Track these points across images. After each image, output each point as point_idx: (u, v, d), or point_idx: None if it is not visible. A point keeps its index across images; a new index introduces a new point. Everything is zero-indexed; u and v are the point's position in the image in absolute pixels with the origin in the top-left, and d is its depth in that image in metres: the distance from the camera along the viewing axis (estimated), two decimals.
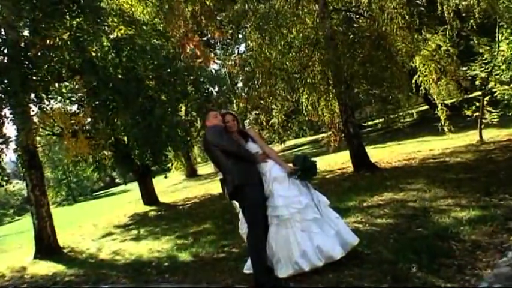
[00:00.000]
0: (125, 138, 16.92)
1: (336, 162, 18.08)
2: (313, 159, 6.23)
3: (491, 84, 13.91)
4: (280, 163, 6.02)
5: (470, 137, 15.50)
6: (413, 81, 15.50)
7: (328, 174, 15.46)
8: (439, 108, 14.97)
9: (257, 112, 18.78)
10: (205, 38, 23.55)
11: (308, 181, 6.07)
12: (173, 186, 29.87)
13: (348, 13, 15.81)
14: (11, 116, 12.01)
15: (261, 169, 5.94)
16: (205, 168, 40.06)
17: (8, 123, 12.08)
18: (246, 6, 15.12)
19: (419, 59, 14.81)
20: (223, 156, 5.80)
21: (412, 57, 14.76)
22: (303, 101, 16.22)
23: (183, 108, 19.33)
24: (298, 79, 14.98)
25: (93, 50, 13.59)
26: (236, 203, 6.22)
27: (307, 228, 5.69)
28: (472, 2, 12.97)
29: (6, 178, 12.87)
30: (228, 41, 25.06)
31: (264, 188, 5.87)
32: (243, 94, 17.69)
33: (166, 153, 17.42)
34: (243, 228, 6.22)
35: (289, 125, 41.28)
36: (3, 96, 11.43)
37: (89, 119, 14.89)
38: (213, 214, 13.06)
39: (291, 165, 6.05)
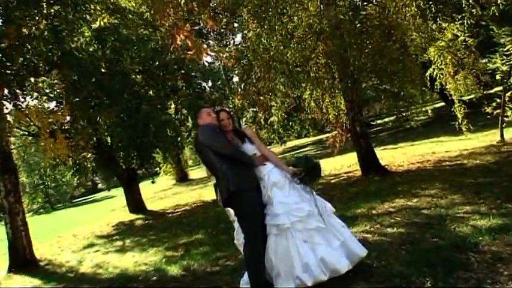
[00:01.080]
0: (109, 139, 16.92)
1: (342, 165, 18.09)
2: (317, 160, 6.24)
3: None
4: (281, 166, 6.02)
5: (490, 137, 15.52)
6: (428, 75, 15.50)
7: (334, 178, 15.46)
8: (456, 105, 14.98)
9: (255, 109, 18.83)
10: (197, 28, 23.55)
11: (311, 185, 6.06)
12: (162, 192, 29.84)
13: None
14: None
15: (258, 173, 5.94)
16: (198, 172, 40.06)
17: None
18: None
19: (434, 51, 14.81)
20: (217, 159, 5.78)
21: (426, 48, 14.76)
22: (305, 97, 16.23)
23: (173, 106, 19.33)
24: (301, 73, 14.97)
25: (74, 41, 13.57)
26: (231, 211, 6.19)
27: (309, 239, 5.67)
28: None
29: None
30: (222, 30, 25.04)
31: (262, 193, 5.87)
32: (239, 90, 17.67)
33: (154, 155, 17.44)
34: (239, 238, 6.18)
35: (290, 124, 41.38)
36: None
37: (68, 118, 14.87)
38: (206, 223, 13.04)
39: (292, 167, 6.05)
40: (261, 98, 15.96)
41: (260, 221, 5.77)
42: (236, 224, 6.17)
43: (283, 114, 18.00)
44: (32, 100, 15.58)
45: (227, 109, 6.75)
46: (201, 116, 6.20)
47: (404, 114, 15.99)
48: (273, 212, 5.75)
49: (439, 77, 15.22)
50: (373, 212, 9.27)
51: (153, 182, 22.25)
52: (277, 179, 5.89)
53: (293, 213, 5.70)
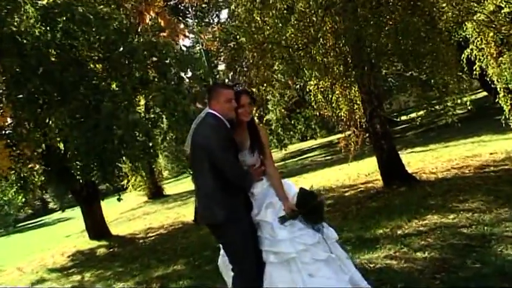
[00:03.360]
0: (61, 146, 16.86)
1: (358, 173, 18.13)
2: (321, 196, 6.24)
3: None
4: (280, 194, 5.99)
5: None
6: (465, 57, 15.53)
7: (348, 190, 15.50)
8: (500, 95, 15.01)
9: None
10: (172, 3, 23.58)
11: (312, 226, 6.03)
12: (130, 212, 29.85)
13: None
14: None
15: (252, 188, 5.98)
16: (175, 186, 40.10)
17: None
18: None
19: (471, 26, 14.84)
20: (211, 171, 5.76)
21: (462, 23, 14.78)
22: (310, 88, 16.21)
23: (142, 102, 19.27)
24: (304, 57, 14.96)
25: (15, 22, 13.54)
26: None
27: (317, 273, 5.67)
28: None
29: None
30: (204, 6, 25.08)
31: (253, 212, 5.90)
32: (227, 80, 17.70)
33: (119, 165, 17.35)
34: (227, 270, 6.18)
35: (291, 122, 41.29)
36: None
37: (9, 120, 14.82)
38: (187, 250, 13.05)
39: (290, 196, 6.03)
40: (254, 90, 15.93)
41: (252, 247, 5.78)
42: (223, 251, 6.16)
43: (283, 110, 18.06)
44: None
45: (249, 90, 6.70)
46: (217, 99, 5.97)
47: (436, 107, 15.99)
48: (272, 237, 5.75)
49: (479, 59, 15.24)
50: (399, 232, 9.29)
51: (119, 200, 22.17)
52: (274, 199, 5.93)
53: (298, 240, 5.70)
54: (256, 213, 5.89)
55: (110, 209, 27.35)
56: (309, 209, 5.89)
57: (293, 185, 6.28)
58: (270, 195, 5.95)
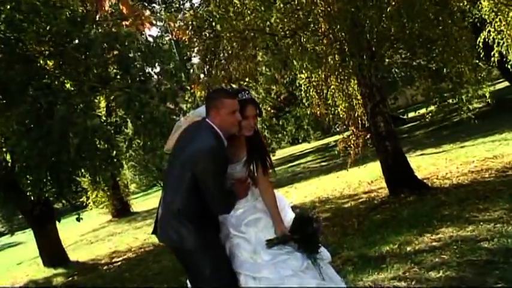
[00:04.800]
0: (8, 157, 16.80)
1: (359, 181, 18.18)
2: (319, 223, 6.23)
3: None
4: (275, 218, 6.00)
5: None
6: (481, 41, 15.59)
7: (348, 201, 15.54)
8: None
9: None
10: None
11: (308, 254, 6.04)
12: (92, 234, 29.72)
13: None
14: None
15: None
16: (144, 201, 39.99)
17: None
18: None
19: (488, 5, 14.93)
20: (189, 192, 5.72)
21: (477, 2, 14.86)
22: (301, 82, 16.24)
23: (103, 104, 19.23)
24: (292, 47, 14.99)
25: None
26: None
27: None
28: None
29: None
30: None
31: (230, 231, 5.95)
32: (202, 76, 17.70)
33: (77, 179, 17.32)
34: None
35: (280, 122, 41.24)
36: None
37: None
38: (159, 276, 13.06)
39: (282, 229, 6.04)
40: (234, 86, 15.96)
41: (229, 276, 5.83)
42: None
43: (270, 109, 18.05)
44: None
45: (254, 97, 6.52)
46: (219, 110, 5.80)
47: (449, 101, 16.05)
48: (253, 259, 5.77)
49: (498, 43, 15.33)
50: (408, 248, 9.32)
51: (78, 220, 22.12)
52: (257, 216, 5.99)
53: (283, 264, 5.72)
54: (234, 231, 5.91)
55: (68, 230, 27.26)
56: (304, 236, 5.93)
57: (283, 198, 6.32)
58: (254, 212, 5.99)
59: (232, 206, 5.88)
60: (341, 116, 16.45)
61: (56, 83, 14.96)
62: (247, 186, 6.08)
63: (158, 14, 25.10)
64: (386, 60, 16.18)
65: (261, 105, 16.65)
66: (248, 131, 5.95)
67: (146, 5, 24.04)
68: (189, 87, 19.79)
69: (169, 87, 17.65)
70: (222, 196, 5.73)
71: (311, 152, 39.57)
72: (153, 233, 6.20)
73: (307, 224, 6.00)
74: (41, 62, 14.79)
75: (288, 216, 6.14)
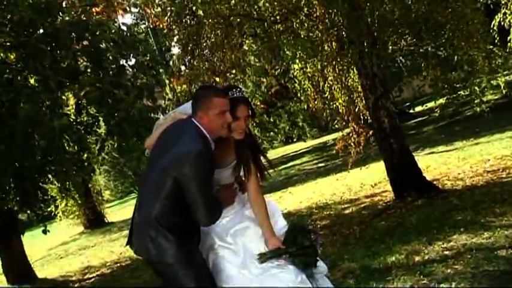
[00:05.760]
0: None
1: (361, 183, 18.20)
2: (317, 234, 6.23)
3: None
4: (266, 228, 6.01)
5: None
6: (495, 24, 15.60)
7: (349, 206, 15.57)
8: None
9: None
10: None
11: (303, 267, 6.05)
12: (61, 248, 29.66)
13: None
14: None
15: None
16: (120, 210, 39.91)
17: None
18: None
19: None
20: (170, 200, 5.68)
21: None
22: (294, 73, 16.24)
23: (72, 101, 19.17)
24: (283, 34, 15.01)
25: None
26: None
27: None
28: None
29: None
30: None
31: (214, 242, 5.96)
32: (182, 68, 17.65)
33: (44, 186, 17.29)
34: None
35: (271, 119, 41.12)
36: None
37: None
38: None
39: (275, 240, 6.04)
40: (218, 79, 15.91)
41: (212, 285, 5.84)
42: None
43: (260, 104, 18.02)
44: None
45: (247, 96, 6.35)
46: (207, 110, 5.74)
47: (460, 93, 16.06)
48: (241, 273, 5.77)
49: None
50: (417, 258, 9.33)
51: (45, 232, 22.12)
52: (245, 224, 6.00)
53: (274, 279, 5.68)
54: (219, 242, 5.93)
55: (35, 244, 27.20)
56: (300, 248, 5.91)
57: (273, 203, 6.33)
58: (241, 221, 6.00)
59: (218, 216, 5.78)
60: (340, 111, 16.43)
61: (19, 78, 14.94)
62: (233, 192, 6.08)
63: (132, 0, 24.97)
64: (390, 47, 16.15)
65: (250, 100, 16.75)
66: (239, 134, 5.86)
67: None
68: (168, 81, 19.77)
69: (146, 81, 17.68)
70: (207, 206, 5.64)
71: (307, 152, 39.46)
72: (127, 244, 6.12)
73: (303, 235, 5.98)
74: (1, 54, 14.77)
75: (279, 224, 6.15)
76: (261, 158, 6.17)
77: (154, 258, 5.79)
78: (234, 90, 5.85)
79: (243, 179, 6.07)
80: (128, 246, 6.11)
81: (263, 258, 5.76)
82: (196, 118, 5.70)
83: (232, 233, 5.89)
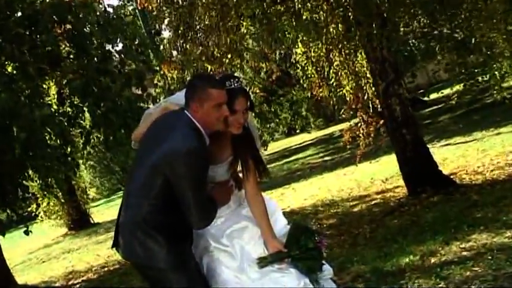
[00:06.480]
0: None
1: (371, 178, 18.21)
2: (322, 235, 6.21)
3: None
4: (265, 230, 6.00)
5: None
6: None
7: (358, 203, 15.57)
8: None
9: None
10: None
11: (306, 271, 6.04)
12: (43, 251, 29.69)
13: None
14: None
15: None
16: (107, 209, 39.93)
17: None
18: None
19: None
20: (161, 201, 5.65)
21: None
22: (297, 58, 16.22)
23: (54, 90, 19.16)
24: (284, 14, 14.99)
25: None
26: None
27: None
28: None
29: None
30: None
31: (208, 244, 5.95)
32: (174, 53, 17.63)
33: (24, 183, 17.28)
34: None
35: (272, 109, 40.98)
36: None
37: None
38: None
39: (276, 242, 6.02)
40: (212, 67, 15.87)
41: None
42: None
43: (259, 92, 17.97)
44: None
45: (245, 86, 6.29)
46: (202, 102, 5.65)
47: (479, 78, 16.02)
48: (238, 278, 5.76)
49: None
50: (433, 260, 9.32)
51: (27, 233, 22.13)
52: (243, 224, 6.00)
53: (274, 284, 5.71)
54: (214, 244, 5.92)
55: (14, 247, 27.21)
56: (303, 251, 5.89)
57: (272, 202, 6.32)
58: (238, 220, 6.00)
59: (212, 218, 5.75)
60: (347, 98, 16.40)
61: None
62: (229, 190, 6.08)
63: None
64: (401, 28, 16.14)
65: (248, 88, 16.73)
66: (236, 129, 5.79)
67: None
68: (158, 68, 19.73)
69: (135, 67, 17.68)
70: (200, 208, 5.60)
71: (311, 145, 39.50)
72: (113, 246, 6.07)
73: (306, 236, 5.95)
74: None
75: (280, 225, 6.14)
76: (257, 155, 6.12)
77: (143, 262, 5.76)
78: (232, 80, 5.78)
79: (240, 175, 6.09)
80: (114, 249, 6.06)
81: (263, 262, 5.73)
82: (190, 110, 5.61)
83: (229, 234, 5.86)
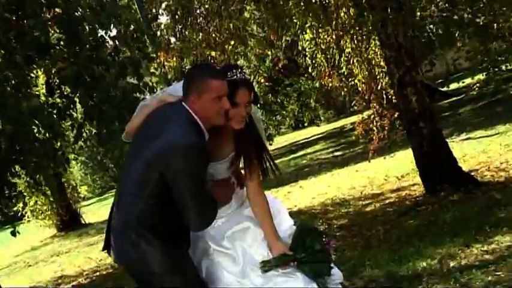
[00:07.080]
0: None
1: (386, 175, 18.20)
2: (330, 238, 6.20)
3: None
4: (268, 233, 5.98)
5: None
6: None
7: (372, 202, 15.56)
8: None
9: None
10: None
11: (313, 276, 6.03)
12: (31, 254, 29.74)
13: None
14: None
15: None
16: (99, 209, 39.98)
17: None
18: None
19: None
20: (156, 200, 5.63)
21: None
22: (304, 45, 16.20)
23: (42, 79, 19.15)
24: None
25: None
26: None
27: None
28: None
29: None
30: None
31: (207, 247, 5.95)
32: (172, 40, 17.62)
33: (10, 179, 17.28)
34: None
35: (278, 100, 40.82)
36: None
37: None
38: None
39: (281, 244, 6.01)
40: (215, 54, 15.85)
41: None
42: None
43: (264, 81, 17.96)
44: None
45: (248, 76, 6.18)
46: (201, 93, 5.57)
47: (502, 67, 15.99)
48: (240, 283, 5.75)
49: None
50: (452, 264, 9.31)
51: (14, 234, 22.14)
52: (245, 225, 5.98)
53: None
54: (214, 246, 5.90)
55: (0, 249, 27.21)
56: (310, 254, 5.87)
57: (276, 201, 6.30)
58: (240, 221, 5.99)
59: (212, 219, 5.72)
60: (359, 89, 16.39)
61: None
62: (230, 188, 6.06)
63: None
64: (418, 13, 16.09)
65: (253, 78, 16.72)
66: (237, 123, 5.73)
67: None
68: (155, 55, 19.71)
69: (130, 55, 17.69)
70: (201, 207, 5.56)
71: (321, 139, 39.48)
72: (104, 249, 6.03)
73: (312, 238, 5.95)
74: None
75: (284, 226, 6.11)
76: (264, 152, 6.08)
77: (136, 266, 5.73)
78: (234, 70, 5.69)
79: (242, 172, 6.10)
80: (106, 252, 6.03)
81: (267, 266, 5.71)
82: (188, 102, 5.54)
83: (230, 236, 5.84)
